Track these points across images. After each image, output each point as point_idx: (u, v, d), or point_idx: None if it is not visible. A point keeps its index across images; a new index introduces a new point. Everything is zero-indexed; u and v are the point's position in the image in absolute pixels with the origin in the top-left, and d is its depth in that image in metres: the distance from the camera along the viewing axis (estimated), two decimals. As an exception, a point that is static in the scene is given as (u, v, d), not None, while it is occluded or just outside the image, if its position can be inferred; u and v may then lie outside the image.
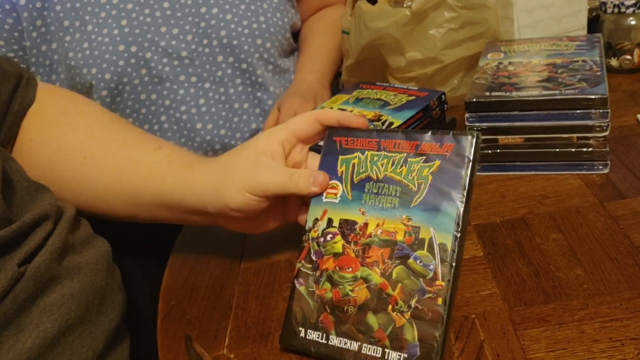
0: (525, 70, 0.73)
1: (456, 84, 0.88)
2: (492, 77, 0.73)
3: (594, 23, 0.94)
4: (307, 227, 0.55)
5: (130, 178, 0.62)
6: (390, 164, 0.53)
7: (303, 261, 0.54)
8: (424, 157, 0.52)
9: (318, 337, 0.51)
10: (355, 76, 0.96)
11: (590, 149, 0.67)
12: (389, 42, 0.85)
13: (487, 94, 0.69)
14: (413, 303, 0.48)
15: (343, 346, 0.50)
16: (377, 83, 0.83)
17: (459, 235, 0.48)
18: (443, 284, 0.47)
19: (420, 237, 0.49)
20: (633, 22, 0.89)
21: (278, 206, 0.61)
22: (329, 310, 0.51)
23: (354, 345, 0.49)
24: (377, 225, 0.52)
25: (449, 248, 0.48)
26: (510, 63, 0.76)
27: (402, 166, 0.52)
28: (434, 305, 0.47)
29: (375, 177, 0.53)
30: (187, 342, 0.57)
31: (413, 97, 0.77)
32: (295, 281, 0.54)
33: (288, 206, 0.61)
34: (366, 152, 0.55)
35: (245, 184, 0.55)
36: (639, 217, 0.59)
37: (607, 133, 0.65)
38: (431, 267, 0.48)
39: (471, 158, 0.50)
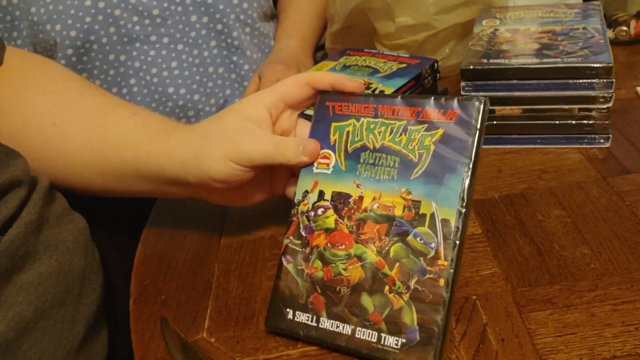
0: (523, 37, 0.69)
1: (448, 53, 0.83)
2: (488, 43, 0.69)
3: (590, -8, 0.90)
4: (296, 200, 0.51)
5: (103, 147, 0.56)
6: (389, 132, 0.48)
7: (291, 237, 0.50)
8: (425, 125, 0.47)
9: (307, 320, 0.47)
10: (341, 43, 0.91)
11: (591, 122, 0.63)
12: (378, 6, 0.80)
13: (485, 61, 0.64)
14: (412, 284, 0.44)
15: (335, 329, 0.46)
16: (366, 50, 0.79)
17: (463, 210, 0.44)
18: (446, 263, 0.43)
19: (421, 212, 0.45)
20: (631, -9, 0.86)
21: (264, 177, 0.56)
22: (319, 291, 0.47)
23: (346, 329, 0.45)
24: (374, 198, 0.47)
25: (453, 225, 0.44)
26: (506, 30, 0.72)
27: (401, 135, 0.48)
28: (435, 287, 0.43)
29: (371, 147, 0.49)
30: (163, 325, 0.52)
31: (404, 65, 0.72)
32: (283, 258, 0.50)
33: (275, 177, 0.56)
34: (362, 119, 0.50)
35: (229, 153, 0.51)
36: (645, 193, 0.57)
37: (610, 104, 0.62)
38: (433, 245, 0.44)
39: (478, 126, 0.45)
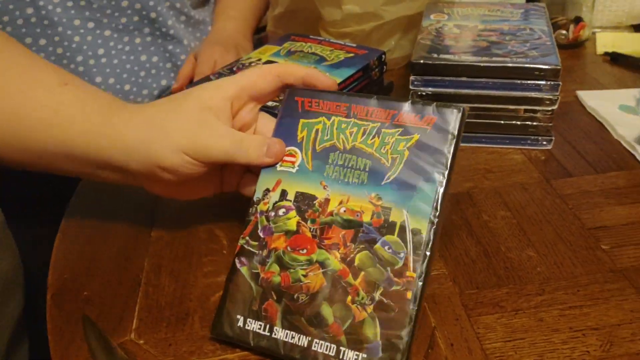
0: (471, 34, 0.69)
1: (393, 45, 0.82)
2: (437, 38, 0.68)
3: (532, -6, 0.91)
4: (255, 198, 0.47)
5: (25, 119, 0.49)
6: (361, 134, 0.46)
7: (248, 237, 0.46)
8: (400, 129, 0.45)
9: (259, 328, 0.43)
10: (283, 28, 0.87)
11: (536, 123, 0.63)
12: (325, -9, 0.76)
13: (435, 55, 0.63)
14: (377, 295, 0.41)
15: (289, 340, 0.42)
16: (311, 36, 0.75)
17: (436, 221, 0.42)
18: (414, 275, 0.41)
19: (390, 219, 0.43)
20: (571, -4, 0.87)
21: (215, 171, 0.52)
22: (275, 297, 0.43)
23: (302, 340, 0.42)
24: (341, 202, 0.44)
25: (424, 235, 0.42)
26: (455, 26, 0.71)
27: (374, 137, 0.45)
28: (401, 300, 0.41)
29: (341, 147, 0.46)
30: (86, 325, 0.47)
31: (351, 55, 0.70)
32: (236, 260, 0.46)
33: (228, 172, 0.52)
34: (333, 117, 0.47)
35: (185, 145, 0.46)
36: (588, 196, 0.57)
37: (555, 107, 0.62)
38: (402, 255, 0.42)
39: (455, 134, 0.43)
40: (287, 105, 0.49)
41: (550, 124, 0.63)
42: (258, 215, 0.46)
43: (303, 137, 0.47)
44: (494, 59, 0.62)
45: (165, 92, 0.87)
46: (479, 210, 0.56)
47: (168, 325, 0.47)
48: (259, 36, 1.01)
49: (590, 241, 0.52)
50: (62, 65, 0.78)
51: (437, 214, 0.42)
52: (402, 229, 0.42)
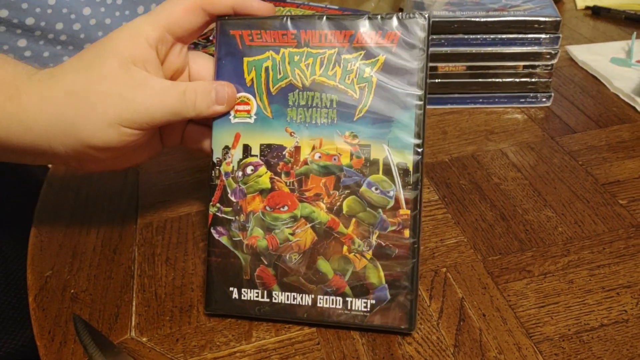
0: (461, -11, 0.65)
1: (373, 7, 0.78)
2: (427, -5, 0.64)
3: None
4: (215, 159, 0.41)
5: None
6: (319, 65, 0.40)
7: (218, 204, 0.41)
8: (362, 52, 0.39)
9: (257, 296, 0.40)
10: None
11: (535, 79, 0.61)
12: (300, -49, 0.71)
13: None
14: (374, 240, 0.39)
15: (292, 302, 0.40)
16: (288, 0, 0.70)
17: (420, 150, 0.38)
18: (408, 212, 0.38)
19: (371, 157, 0.39)
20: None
21: (154, 132, 0.44)
22: (265, 262, 0.40)
23: (306, 299, 0.39)
24: (313, 147, 0.40)
25: (410, 166, 0.38)
26: (442, -18, 0.68)
27: (334, 66, 0.40)
28: (400, 239, 0.38)
29: (300, 85, 0.40)
30: (78, 325, 0.42)
31: (335, 17, 0.65)
32: (213, 231, 0.41)
33: (166, 128, 0.45)
34: (282, 49, 0.41)
35: (119, 115, 0.38)
36: (595, 152, 0.55)
37: (555, 61, 0.60)
38: (391, 193, 0.38)
39: (425, 48, 0.38)
40: (222, 42, 0.42)
41: (550, 80, 0.61)
42: (224, 178, 0.41)
43: (252, 79, 0.41)
44: (490, 13, 0.58)
45: None
46: (487, 173, 0.54)
47: (172, 318, 0.42)
48: None
49: (607, 197, 0.50)
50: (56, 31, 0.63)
51: (421, 142, 0.38)
52: (386, 165, 0.39)
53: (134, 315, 0.43)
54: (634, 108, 0.61)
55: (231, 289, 0.41)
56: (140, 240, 0.50)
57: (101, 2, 0.63)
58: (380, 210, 0.39)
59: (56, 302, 0.44)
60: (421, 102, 0.38)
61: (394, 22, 0.38)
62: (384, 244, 0.38)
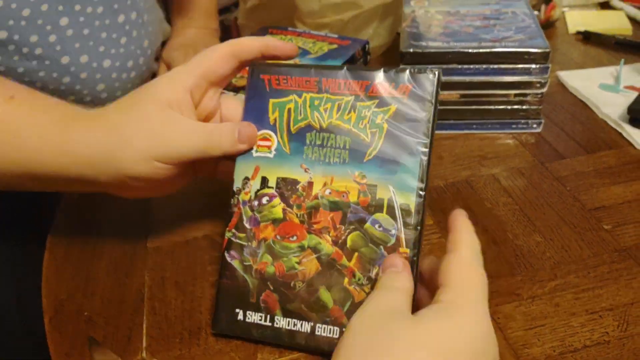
0: (455, 20, 0.68)
1: (371, 34, 0.81)
2: (422, 25, 0.67)
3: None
4: (235, 189, 0.45)
5: None
6: (336, 110, 0.44)
7: (234, 230, 0.45)
8: (376, 101, 0.43)
9: (260, 319, 0.43)
10: (256, 20, 0.85)
11: (526, 107, 0.64)
12: (301, -19, 0.75)
13: (424, 44, 0.62)
14: (374, 274, 0.41)
15: (292, 328, 0.42)
16: (289, 28, 0.74)
17: (423, 193, 0.41)
18: (408, 251, 0.41)
19: (377, 197, 0.42)
20: (542, -23, 0.88)
21: (188, 165, 0.48)
22: (272, 288, 0.43)
23: (305, 327, 0.42)
24: (325, 184, 0.43)
25: (413, 209, 0.41)
26: (437, 12, 0.71)
27: (350, 112, 0.43)
28: None
29: (317, 126, 0.44)
30: (92, 347, 0.45)
31: (335, 46, 0.69)
32: (227, 254, 0.44)
33: (200, 162, 0.48)
34: (304, 94, 0.45)
35: (153, 151, 0.43)
36: (583, 177, 0.58)
37: (545, 89, 0.62)
38: (393, 232, 0.41)
39: (433, 101, 0.42)
40: (252, 85, 0.46)
41: (540, 107, 0.64)
42: (241, 206, 0.45)
43: (275, 118, 0.45)
44: (483, 44, 0.61)
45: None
46: (480, 197, 0.56)
47: (181, 340, 0.45)
48: (220, 19, 0.97)
49: (593, 222, 0.52)
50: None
51: (424, 186, 0.41)
52: (390, 205, 0.42)
53: (145, 337, 0.45)
54: (620, 134, 0.64)
55: (237, 310, 0.43)
56: (150, 264, 0.52)
57: (80, 12, 0.60)
58: (381, 246, 0.41)
59: (72, 325, 0.47)
60: (427, 150, 0.42)
61: (406, 75, 0.43)
62: None
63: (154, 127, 0.43)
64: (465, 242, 0.38)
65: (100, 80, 0.64)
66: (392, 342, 0.33)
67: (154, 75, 0.81)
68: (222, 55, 0.45)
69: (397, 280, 0.38)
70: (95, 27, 0.62)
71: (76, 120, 0.46)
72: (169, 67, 0.81)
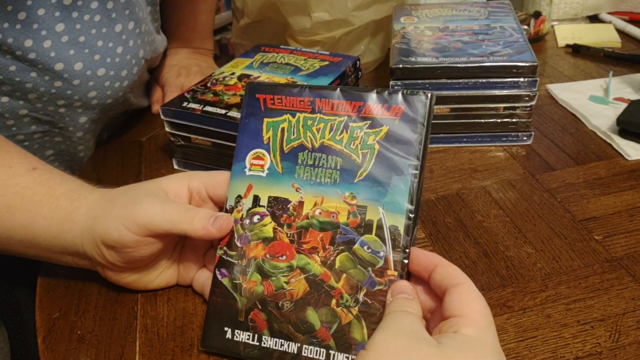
0: (444, 35, 0.69)
1: (362, 50, 0.81)
2: (412, 41, 0.68)
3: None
4: (227, 206, 0.46)
5: None
6: (329, 130, 0.44)
7: (225, 248, 0.45)
8: (368, 122, 0.44)
9: (248, 339, 0.43)
10: (249, 39, 0.86)
11: (515, 120, 0.64)
12: (293, 0, 0.76)
13: (413, 59, 0.63)
14: (361, 297, 0.41)
15: (279, 348, 0.42)
16: (281, 46, 0.74)
17: (412, 215, 0.42)
18: (396, 273, 0.41)
19: (367, 218, 0.42)
20: (530, -8, 0.89)
21: (168, 261, 0.50)
22: (260, 307, 0.43)
23: (292, 347, 0.42)
24: (315, 204, 0.44)
25: (402, 231, 0.41)
26: (426, 28, 0.72)
27: (342, 132, 0.44)
28: (385, 299, 0.41)
29: (310, 146, 0.45)
30: (84, 366, 0.45)
31: (326, 63, 0.69)
32: (217, 272, 0.45)
33: (184, 262, 0.50)
34: (298, 114, 0.46)
35: (125, 216, 0.44)
36: (573, 189, 0.58)
37: (534, 102, 0.63)
38: (381, 254, 0.41)
39: (425, 123, 0.43)
40: (248, 104, 0.47)
41: (530, 120, 0.64)
42: (233, 224, 0.45)
43: (269, 137, 0.46)
44: (472, 59, 0.62)
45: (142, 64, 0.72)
46: (471, 210, 0.57)
47: (173, 357, 0.45)
48: (217, 39, 0.98)
49: (583, 233, 0.53)
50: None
51: (413, 208, 0.41)
52: (380, 227, 0.42)
53: (137, 355, 0.45)
54: (610, 145, 0.64)
55: (226, 328, 0.43)
56: (143, 281, 0.52)
57: (77, 19, 0.60)
58: (369, 268, 0.41)
59: (64, 343, 0.47)
60: (417, 172, 0.42)
61: (399, 97, 0.43)
62: (369, 302, 0.41)
63: (138, 199, 0.45)
64: (462, 274, 0.39)
65: (93, 88, 0.64)
66: None
67: (148, 83, 0.81)
68: (227, 179, 0.47)
69: (410, 306, 0.39)
70: (92, 35, 0.62)
71: (90, 191, 0.49)
72: (162, 87, 0.81)
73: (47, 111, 0.63)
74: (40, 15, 0.57)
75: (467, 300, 0.37)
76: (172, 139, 0.65)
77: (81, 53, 0.61)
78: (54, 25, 0.58)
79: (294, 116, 0.46)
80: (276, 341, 0.42)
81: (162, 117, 0.63)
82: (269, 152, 0.46)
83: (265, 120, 0.46)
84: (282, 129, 0.46)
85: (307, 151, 0.45)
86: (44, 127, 0.65)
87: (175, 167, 0.67)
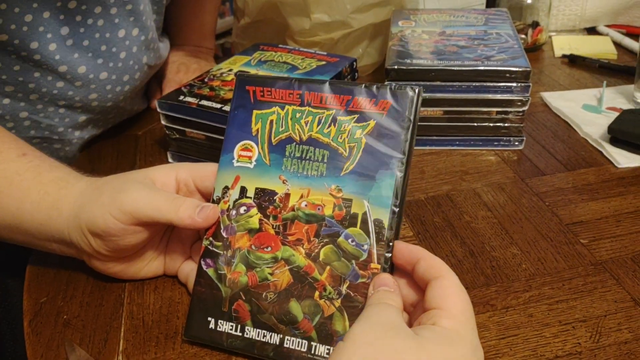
0: (441, 39, 0.70)
1: (361, 53, 0.82)
2: (408, 44, 0.69)
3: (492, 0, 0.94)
4: (214, 197, 0.46)
5: None
6: (316, 123, 0.45)
7: (211, 238, 0.45)
8: (356, 116, 0.44)
9: (231, 329, 0.43)
10: (249, 38, 0.87)
11: (508, 124, 0.65)
12: (293, 1, 0.76)
13: (408, 61, 0.64)
14: (344, 289, 0.41)
15: (262, 339, 0.42)
16: (280, 45, 0.75)
17: (397, 210, 0.42)
18: (379, 267, 0.41)
19: (352, 211, 0.43)
20: (529, 1, 0.90)
21: (155, 252, 0.50)
22: (243, 297, 0.43)
23: (274, 338, 0.42)
24: (301, 196, 0.44)
25: (386, 225, 0.42)
26: (424, 32, 0.72)
27: (330, 126, 0.44)
28: (368, 292, 0.41)
29: (298, 138, 0.45)
30: (68, 349, 0.45)
31: (323, 62, 0.70)
32: (202, 262, 0.45)
33: (170, 253, 0.50)
34: (286, 106, 0.46)
35: (111, 204, 0.44)
36: (562, 193, 0.59)
37: (526, 108, 0.64)
38: (365, 247, 0.42)
39: (412, 118, 0.43)
40: (238, 96, 0.48)
41: (522, 125, 0.65)
42: (220, 215, 0.46)
43: (258, 129, 0.46)
44: (466, 62, 0.63)
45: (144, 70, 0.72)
46: (460, 211, 0.57)
47: (157, 344, 0.45)
48: (221, 43, 0.99)
49: (570, 236, 0.53)
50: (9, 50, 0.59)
51: (398, 202, 0.42)
52: (364, 220, 0.42)
53: (122, 340, 0.46)
54: (600, 152, 0.65)
55: (209, 318, 0.44)
56: (131, 270, 0.53)
57: (81, 23, 0.61)
58: (353, 261, 0.42)
59: (49, 327, 0.47)
60: (403, 166, 0.42)
61: (387, 92, 0.44)
62: (352, 295, 0.41)
63: (124, 187, 0.45)
64: (446, 267, 0.39)
65: (94, 91, 0.65)
66: (397, 358, 0.33)
67: (147, 86, 0.82)
68: (215, 171, 0.47)
69: (391, 298, 0.39)
70: (95, 39, 0.63)
71: (78, 179, 0.49)
72: (161, 83, 0.82)
73: (48, 112, 0.64)
74: (45, 17, 0.58)
75: (448, 294, 0.38)
76: (167, 132, 0.65)
77: (85, 57, 0.62)
78: (59, 28, 0.59)
79: (282, 108, 0.46)
80: (259, 332, 0.42)
81: (158, 109, 0.64)
82: (257, 144, 0.46)
83: (255, 112, 0.47)
84: (271, 121, 0.46)
85: (294, 143, 0.45)
86: (43, 132, 0.65)
87: (170, 160, 0.68)
